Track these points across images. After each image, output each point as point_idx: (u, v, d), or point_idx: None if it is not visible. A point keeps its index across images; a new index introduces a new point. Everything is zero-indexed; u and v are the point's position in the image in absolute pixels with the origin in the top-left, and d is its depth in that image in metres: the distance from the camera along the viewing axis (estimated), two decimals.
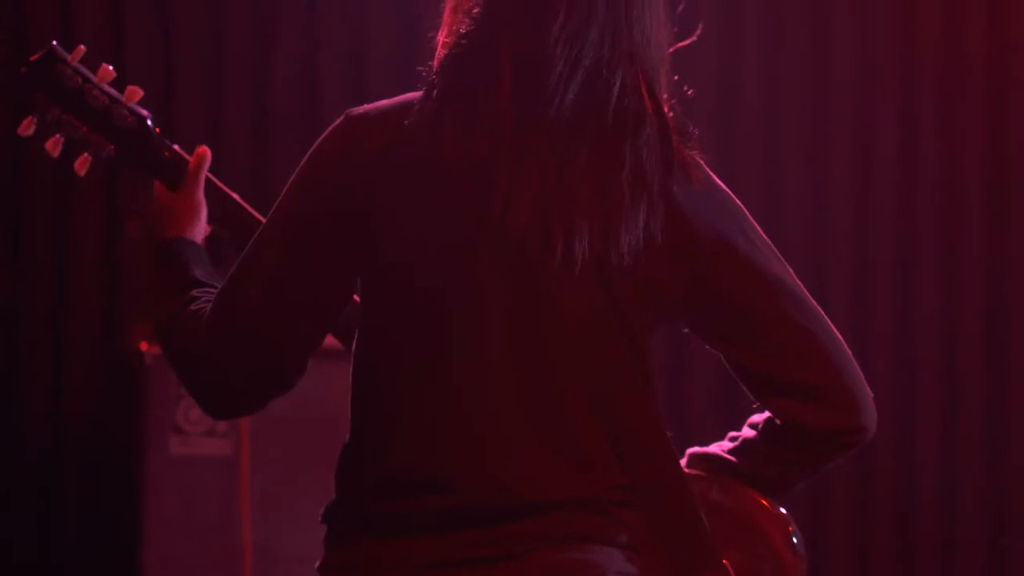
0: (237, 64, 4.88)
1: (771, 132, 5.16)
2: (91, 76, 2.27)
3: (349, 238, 2.07)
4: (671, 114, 2.10)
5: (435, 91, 2.07)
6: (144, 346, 4.42)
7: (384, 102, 2.12)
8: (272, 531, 4.32)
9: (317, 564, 2.10)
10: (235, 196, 2.35)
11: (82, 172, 2.30)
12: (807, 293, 2.16)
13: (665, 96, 2.10)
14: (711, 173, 2.14)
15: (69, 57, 2.26)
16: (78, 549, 4.74)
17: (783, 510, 2.22)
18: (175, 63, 4.84)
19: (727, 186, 2.16)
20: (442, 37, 2.11)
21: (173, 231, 2.28)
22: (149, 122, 2.30)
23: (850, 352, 2.16)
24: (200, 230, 2.30)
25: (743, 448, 2.21)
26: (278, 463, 4.32)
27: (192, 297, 2.18)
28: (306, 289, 2.09)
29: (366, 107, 2.12)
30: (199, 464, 4.36)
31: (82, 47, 2.28)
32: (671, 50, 2.13)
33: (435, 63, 2.10)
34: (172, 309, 2.18)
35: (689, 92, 2.15)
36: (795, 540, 2.21)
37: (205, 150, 2.35)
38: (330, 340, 2.20)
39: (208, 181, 2.33)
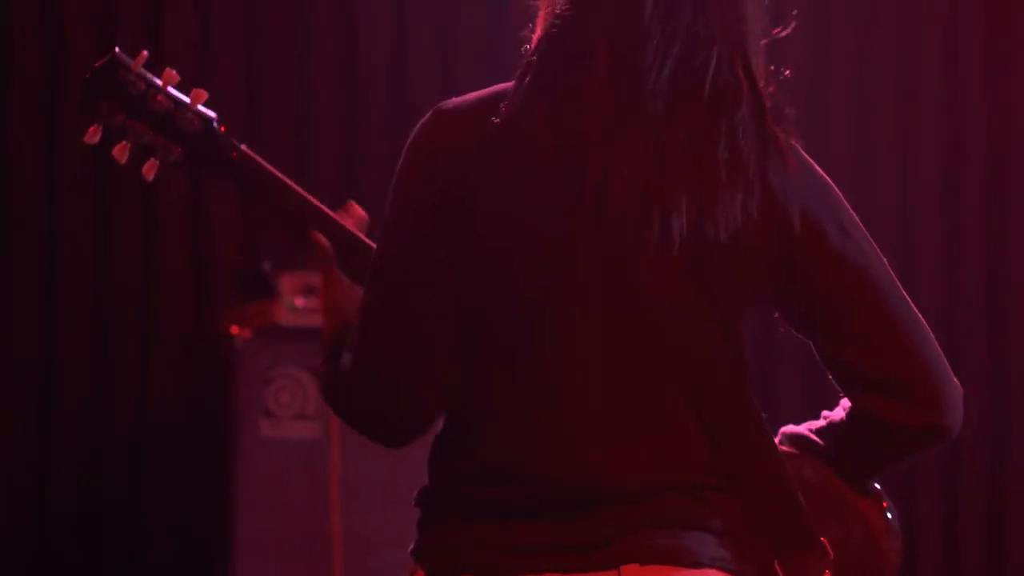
0: (323, 59, 4.90)
1: (861, 118, 5.12)
2: (155, 81, 2.27)
3: (451, 242, 2.06)
4: (767, 96, 2.07)
5: (528, 76, 2.06)
6: (234, 330, 4.46)
7: (474, 93, 2.12)
8: (362, 514, 4.35)
9: (411, 547, 2.11)
10: (295, 186, 2.33)
11: (150, 177, 2.30)
12: (899, 285, 2.13)
13: (762, 82, 2.08)
14: (808, 158, 2.12)
15: (132, 63, 2.26)
16: (169, 531, 4.80)
17: (877, 486, 2.20)
18: (260, 59, 4.88)
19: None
20: (539, 20, 2.10)
21: (329, 325, 2.24)
22: (215, 124, 2.30)
23: (939, 348, 2.13)
24: (350, 309, 2.24)
25: (829, 430, 2.19)
26: (367, 446, 4.29)
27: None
28: (428, 302, 2.08)
29: (455, 100, 2.11)
30: (289, 447, 4.39)
31: (145, 52, 2.27)
32: (766, 41, 2.11)
33: (531, 46, 2.09)
34: (328, 378, 2.17)
35: (787, 72, 2.12)
36: (890, 515, 2.19)
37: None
38: None
39: (262, 171, 2.31)
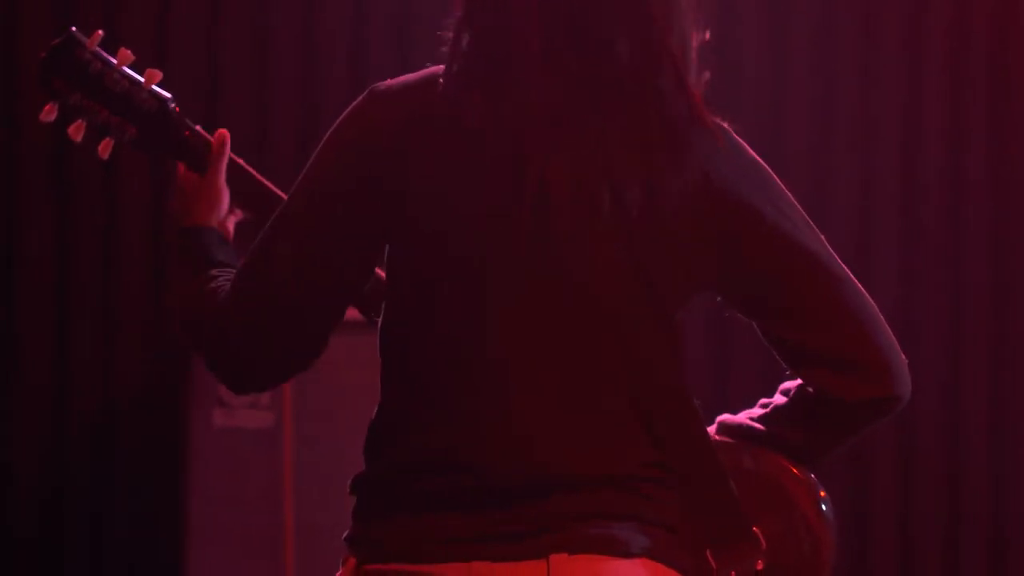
0: (281, 48, 4.91)
1: (819, 106, 5.14)
2: (111, 60, 2.28)
3: (375, 210, 2.06)
4: (696, 81, 2.08)
5: (458, 61, 2.06)
6: None
7: (409, 75, 2.12)
8: (315, 503, 4.35)
9: (344, 535, 2.11)
10: (260, 177, 2.36)
11: (105, 156, 2.32)
12: (838, 260, 2.14)
13: (692, 65, 2.08)
14: (739, 139, 2.13)
15: (88, 42, 2.28)
16: (124, 520, 4.80)
17: (812, 476, 2.21)
18: (218, 45, 4.88)
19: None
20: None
21: (192, 219, 2.28)
22: (171, 104, 2.32)
23: (882, 318, 2.15)
24: (220, 215, 2.29)
25: (773, 416, 2.20)
26: (321, 435, 4.34)
27: (212, 276, 2.18)
28: (330, 261, 2.08)
29: (389, 81, 2.11)
30: (242, 436, 4.39)
31: (100, 32, 2.29)
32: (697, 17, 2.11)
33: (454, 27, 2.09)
34: (190, 290, 2.17)
35: (708, 56, 2.13)
36: (824, 506, 2.20)
37: (224, 133, 2.34)
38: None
39: (233, 163, 2.34)
